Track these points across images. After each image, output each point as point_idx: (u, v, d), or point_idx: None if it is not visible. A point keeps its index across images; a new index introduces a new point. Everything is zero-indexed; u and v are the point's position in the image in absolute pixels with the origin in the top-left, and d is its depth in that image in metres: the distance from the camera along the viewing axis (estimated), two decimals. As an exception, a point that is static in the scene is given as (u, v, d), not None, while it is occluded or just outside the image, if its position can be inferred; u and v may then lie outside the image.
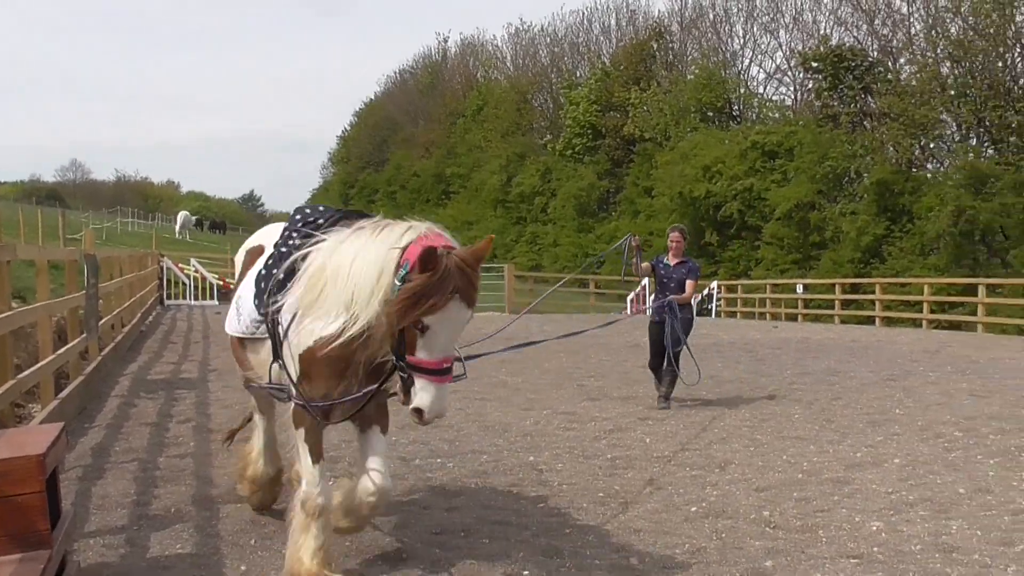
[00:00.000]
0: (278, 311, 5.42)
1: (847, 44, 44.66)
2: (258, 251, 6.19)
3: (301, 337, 5.23)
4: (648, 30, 60.97)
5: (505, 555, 6.11)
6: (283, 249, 5.59)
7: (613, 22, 66.50)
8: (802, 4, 52.00)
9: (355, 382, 5.22)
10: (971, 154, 36.69)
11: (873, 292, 31.85)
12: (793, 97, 52.08)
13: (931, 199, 35.56)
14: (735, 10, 55.74)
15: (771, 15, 53.81)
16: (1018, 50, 37.25)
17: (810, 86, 47.66)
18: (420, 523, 6.70)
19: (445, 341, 4.86)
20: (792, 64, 51.00)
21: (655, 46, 59.16)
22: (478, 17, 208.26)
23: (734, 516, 7.15)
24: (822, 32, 49.28)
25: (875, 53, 44.13)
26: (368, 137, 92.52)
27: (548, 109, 69.30)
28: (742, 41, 55.46)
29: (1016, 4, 36.87)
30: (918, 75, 39.84)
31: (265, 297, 5.55)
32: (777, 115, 49.73)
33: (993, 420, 11.06)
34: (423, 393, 4.84)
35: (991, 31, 36.66)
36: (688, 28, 58.76)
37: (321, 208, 5.87)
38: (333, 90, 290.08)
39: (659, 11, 62.60)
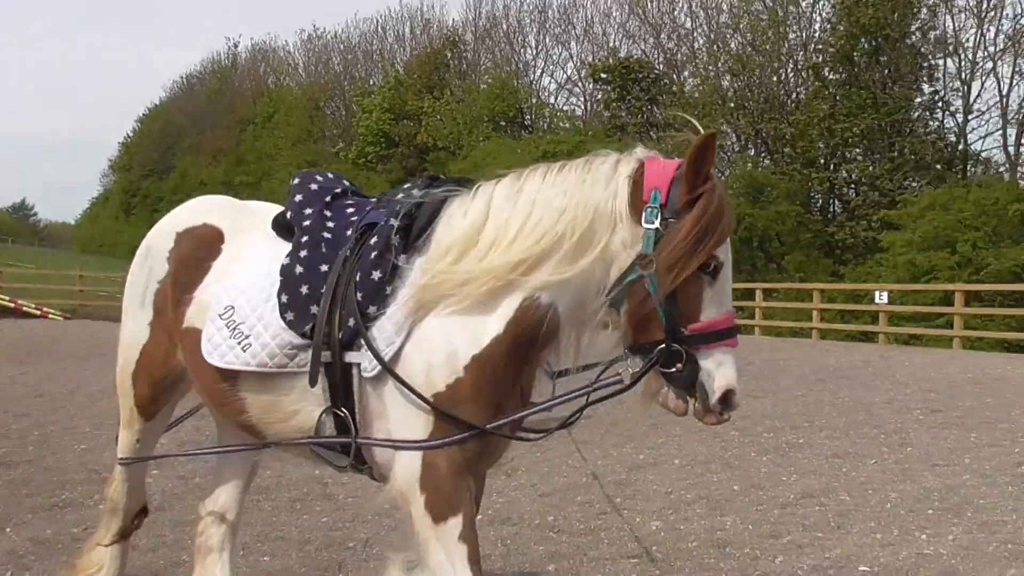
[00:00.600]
0: (363, 324, 3.47)
1: (635, 56, 46.04)
2: (209, 237, 4.08)
3: (457, 347, 3.39)
4: (442, 39, 61.20)
5: (286, 571, 5.92)
6: (326, 234, 3.76)
7: (407, 30, 66.54)
8: (592, 17, 53.52)
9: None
10: (749, 164, 38.42)
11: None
12: (583, 107, 53.40)
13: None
14: (528, 21, 56.75)
15: (563, 27, 55.04)
16: (791, 66, 39.26)
17: (599, 97, 48.94)
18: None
19: (730, 283, 3.39)
20: (582, 75, 52.27)
21: (449, 55, 59.47)
22: (270, 22, 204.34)
23: (519, 522, 7.15)
24: (611, 44, 50.77)
25: (661, 66, 45.65)
26: (152, 144, 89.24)
27: (341, 117, 68.61)
28: (534, 52, 56.51)
29: (789, 23, 38.87)
30: (701, 87, 41.43)
31: (317, 306, 3.58)
32: (568, 125, 50.78)
33: (767, 419, 11.55)
34: (725, 367, 3.25)
35: (767, 47, 38.53)
36: (482, 38, 59.35)
37: (332, 175, 4.20)
38: (114, 94, 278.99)
39: (453, 20, 62.68)
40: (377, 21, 69.95)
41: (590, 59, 51.29)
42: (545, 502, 7.76)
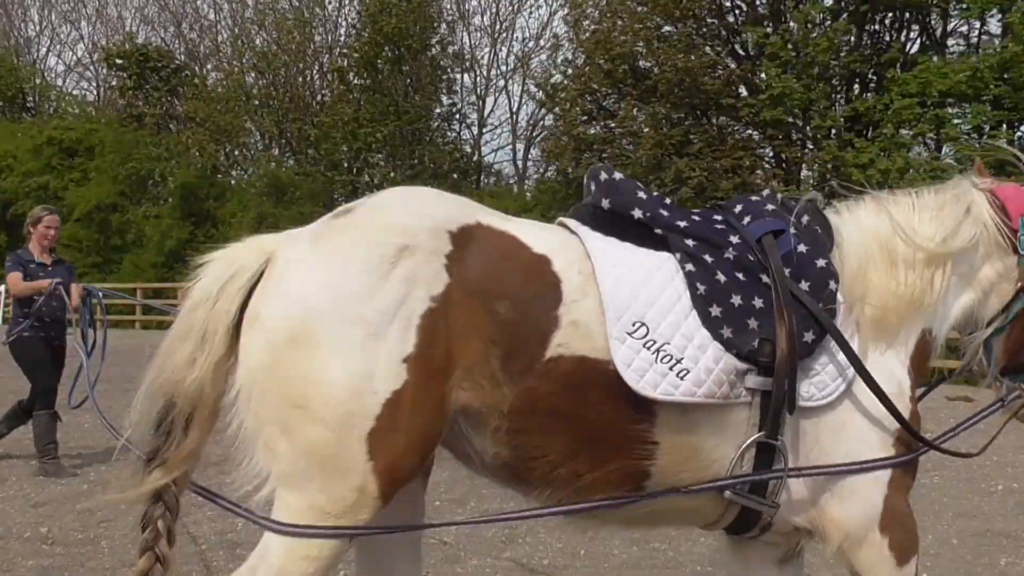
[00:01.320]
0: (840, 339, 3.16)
1: (154, 44, 43.97)
2: (508, 241, 3.11)
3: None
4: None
5: None
6: (716, 237, 3.29)
7: None
8: (107, -3, 50.33)
9: None
10: (273, 163, 37.96)
11: (175, 297, 31.63)
12: (96, 93, 50.18)
13: (234, 205, 36.12)
14: (31, -7, 52.34)
15: (72, 4, 51.32)
16: (316, 68, 39.35)
17: (114, 83, 46.14)
18: None
19: None
20: (95, 59, 49.04)
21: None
22: None
23: (6, 536, 6.26)
24: (128, 29, 48.14)
25: (182, 56, 43.97)
26: None
27: None
28: (39, 28, 52.26)
29: (315, 25, 38.96)
30: (224, 82, 40.39)
31: (753, 320, 3.12)
32: (77, 111, 47.36)
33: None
34: None
35: (292, 47, 38.27)
36: (-23, 8, 53.93)
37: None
38: None
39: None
40: None
41: (104, 42, 48.27)
42: (38, 513, 6.85)
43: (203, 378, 3.00)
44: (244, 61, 40.22)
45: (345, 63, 37.57)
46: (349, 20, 39.03)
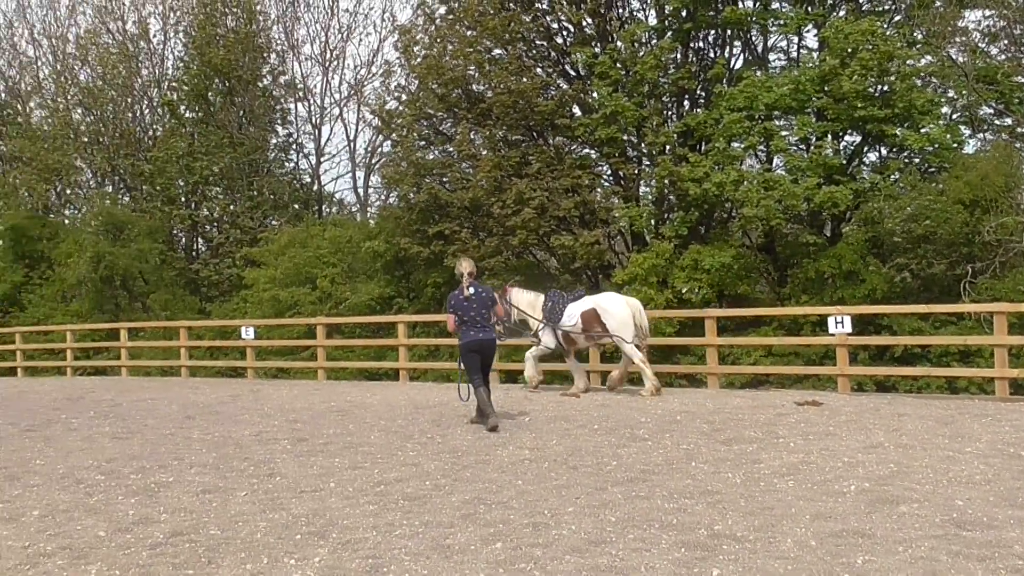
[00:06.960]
0: None
1: (-32, 83, 42.04)
2: None
3: None
4: None
5: None
6: None
7: None
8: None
9: None
10: (108, 201, 36.69)
11: (13, 341, 30.46)
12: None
13: (69, 245, 34.71)
14: None
15: None
16: (146, 102, 38.30)
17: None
18: None
19: None
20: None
21: None
22: None
23: None
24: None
25: (3, 95, 42.15)
26: None
27: None
28: None
29: (141, 59, 37.91)
30: (49, 120, 38.94)
31: None
32: None
33: (134, 460, 10.86)
34: None
35: (119, 82, 37.14)
36: None
37: None
38: None
39: None
40: None
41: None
42: None
43: None
44: (69, 97, 38.83)
45: (175, 96, 36.60)
46: (176, 53, 38.10)
